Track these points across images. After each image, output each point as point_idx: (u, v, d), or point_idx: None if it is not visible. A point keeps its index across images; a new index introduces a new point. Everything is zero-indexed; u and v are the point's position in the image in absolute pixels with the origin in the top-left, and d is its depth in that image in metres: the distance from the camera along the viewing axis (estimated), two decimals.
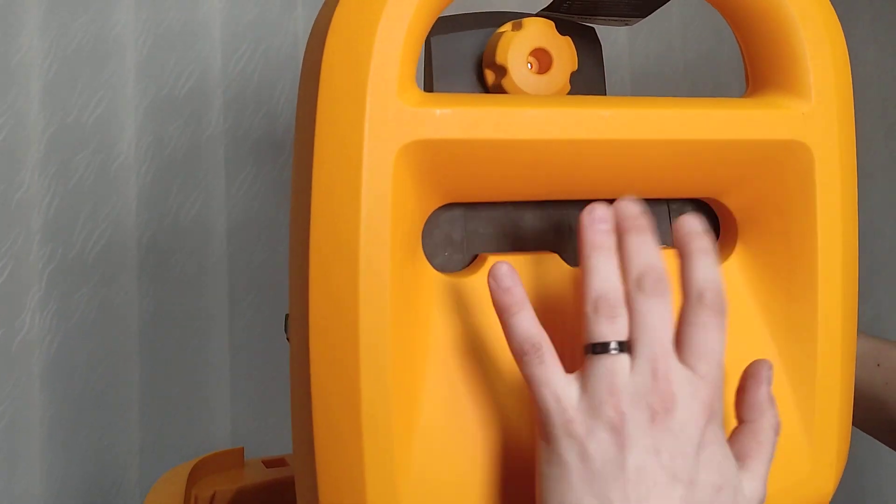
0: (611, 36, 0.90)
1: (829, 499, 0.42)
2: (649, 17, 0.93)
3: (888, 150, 0.98)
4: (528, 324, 0.35)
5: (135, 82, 0.75)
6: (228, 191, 0.77)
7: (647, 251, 0.35)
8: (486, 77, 0.42)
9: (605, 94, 0.45)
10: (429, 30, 0.36)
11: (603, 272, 0.34)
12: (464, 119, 0.35)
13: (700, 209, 0.44)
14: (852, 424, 0.56)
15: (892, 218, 0.98)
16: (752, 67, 0.42)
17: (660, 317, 0.34)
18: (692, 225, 0.36)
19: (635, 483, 0.32)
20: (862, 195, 1.03)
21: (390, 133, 0.34)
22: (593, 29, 0.45)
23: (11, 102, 0.70)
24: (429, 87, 0.42)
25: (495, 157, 0.36)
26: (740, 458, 0.36)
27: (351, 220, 0.34)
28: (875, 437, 0.56)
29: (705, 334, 0.34)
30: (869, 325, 0.97)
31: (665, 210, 0.43)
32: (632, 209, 0.36)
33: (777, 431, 0.37)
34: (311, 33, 0.37)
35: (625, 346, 0.34)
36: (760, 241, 0.42)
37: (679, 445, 0.33)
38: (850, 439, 0.43)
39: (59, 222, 0.72)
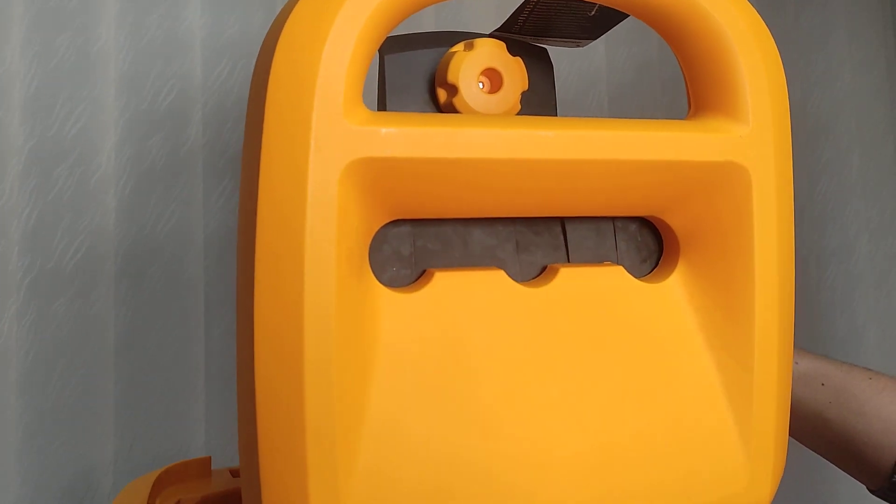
0: (589, 53, 0.91)
1: None
2: (629, 33, 0.94)
3: (863, 168, 0.99)
4: None
5: (115, 96, 0.76)
6: (206, 204, 0.78)
7: None
8: (438, 96, 0.43)
9: (556, 114, 0.46)
10: (376, 50, 0.37)
11: None
12: (408, 138, 0.36)
13: (645, 227, 0.45)
14: (800, 442, 0.57)
15: (867, 234, 0.99)
16: (692, 91, 0.43)
17: None
18: None
19: None
20: (838, 212, 1.04)
21: (335, 151, 0.35)
22: (545, 50, 0.47)
23: None
24: (382, 105, 0.43)
25: (440, 175, 0.37)
26: None
27: (296, 235, 0.35)
28: (820, 455, 0.57)
29: None
30: (846, 339, 0.98)
31: (610, 227, 0.45)
32: None
33: None
34: (260, 49, 0.38)
35: None
36: (701, 259, 0.43)
37: None
38: (786, 450, 0.44)
39: (39, 233, 0.73)
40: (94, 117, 0.75)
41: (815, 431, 0.55)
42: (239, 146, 0.80)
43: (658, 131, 0.40)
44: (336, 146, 0.35)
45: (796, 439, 0.58)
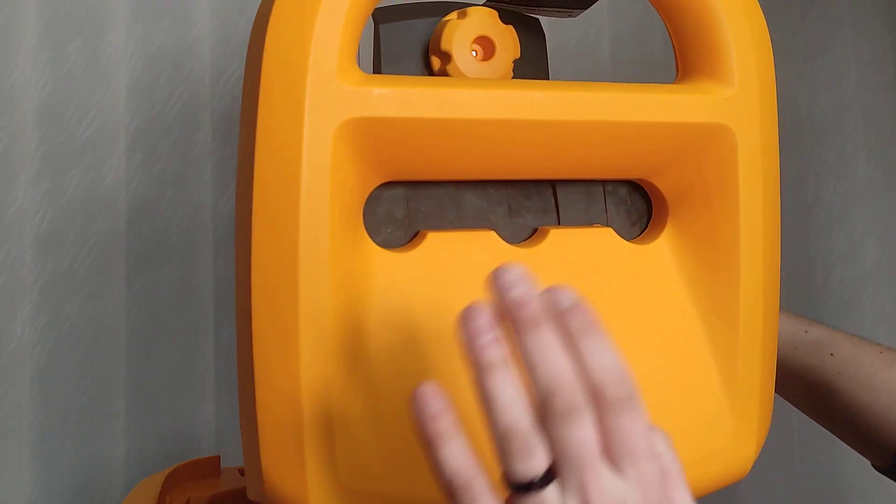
0: (594, 52, 0.91)
1: (750, 465, 0.44)
2: (634, 33, 0.94)
3: (870, 169, 0.99)
4: (458, 458, 0.30)
5: (126, 102, 0.77)
6: (215, 208, 0.79)
7: (549, 355, 0.30)
8: (432, 63, 0.44)
9: (548, 78, 0.47)
10: (370, 13, 0.38)
11: (502, 399, 0.30)
12: (400, 98, 0.37)
13: (634, 190, 0.46)
14: (806, 414, 0.57)
15: (874, 235, 0.99)
16: (680, 55, 0.44)
17: (579, 437, 0.29)
18: (564, 298, 0.31)
19: None
20: (845, 214, 1.04)
21: (329, 111, 0.36)
22: (538, 20, 0.48)
23: (7, 121, 0.73)
24: (377, 69, 0.44)
25: (432, 135, 0.38)
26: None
27: (291, 193, 0.36)
28: (825, 427, 0.57)
29: (622, 438, 0.30)
30: None
31: (601, 191, 0.46)
32: (515, 294, 0.30)
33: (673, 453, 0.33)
34: (256, 16, 0.39)
35: (549, 475, 0.30)
36: (689, 221, 0.44)
37: None
38: (771, 409, 0.45)
39: (51, 237, 0.75)
40: (105, 123, 0.76)
41: (822, 402, 0.55)
42: None
43: (646, 93, 0.41)
44: (330, 105, 0.36)
45: (803, 411, 0.57)
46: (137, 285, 0.77)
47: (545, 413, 0.30)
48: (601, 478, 0.30)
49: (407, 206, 0.42)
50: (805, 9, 0.99)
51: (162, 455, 0.76)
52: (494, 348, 0.30)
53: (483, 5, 0.46)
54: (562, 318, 0.31)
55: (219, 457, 0.61)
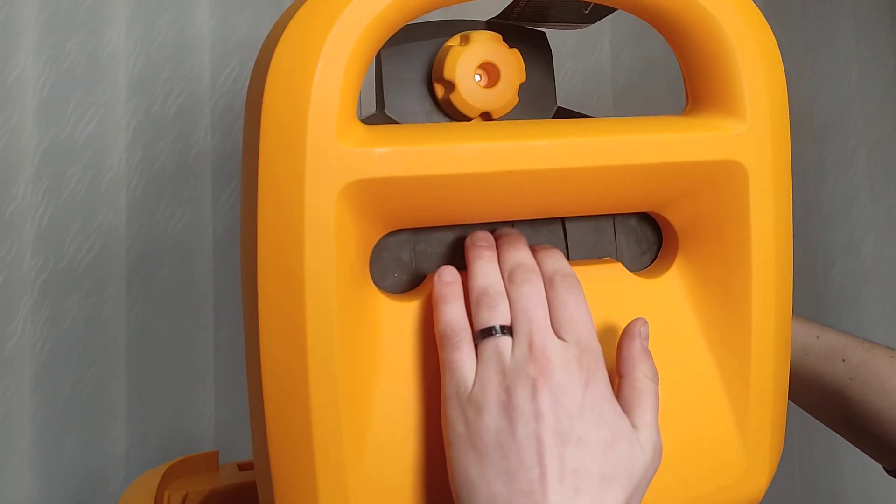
0: (594, 52, 0.92)
1: (762, 495, 0.44)
2: (634, 32, 0.95)
3: (870, 167, 0.99)
4: (456, 314, 0.38)
5: (126, 100, 0.78)
6: (215, 205, 0.80)
7: (516, 252, 0.40)
8: (435, 91, 0.43)
9: (556, 103, 0.46)
10: (368, 64, 0.37)
11: (482, 272, 0.39)
12: (401, 157, 0.36)
13: (644, 220, 0.46)
14: (818, 420, 0.57)
15: (873, 234, 0.99)
16: (690, 87, 0.43)
17: (530, 300, 0.38)
18: (538, 246, 0.42)
19: (526, 449, 0.35)
20: (845, 212, 1.04)
21: (330, 175, 0.35)
22: (544, 35, 0.46)
23: (6, 118, 0.73)
24: (379, 100, 0.43)
25: (435, 189, 0.38)
26: (626, 409, 0.38)
27: (295, 258, 0.35)
28: (839, 433, 0.56)
29: (566, 309, 0.38)
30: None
31: (610, 223, 0.45)
32: (506, 229, 0.42)
33: (654, 379, 0.39)
34: (252, 71, 0.38)
35: (507, 330, 0.37)
36: (699, 255, 0.44)
37: (562, 408, 0.36)
38: (783, 441, 0.45)
39: (51, 234, 0.75)
40: (105, 120, 0.77)
41: (834, 408, 0.55)
42: None
43: (653, 133, 0.40)
44: (331, 170, 0.35)
45: (815, 417, 0.58)
46: (137, 282, 0.77)
47: (508, 284, 0.38)
48: (545, 334, 0.37)
49: (413, 248, 0.41)
50: (806, 5, 0.99)
51: (161, 451, 0.77)
52: (485, 248, 0.40)
53: (487, 22, 0.45)
54: (535, 248, 0.41)
55: (217, 452, 0.61)
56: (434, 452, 0.39)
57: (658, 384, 0.39)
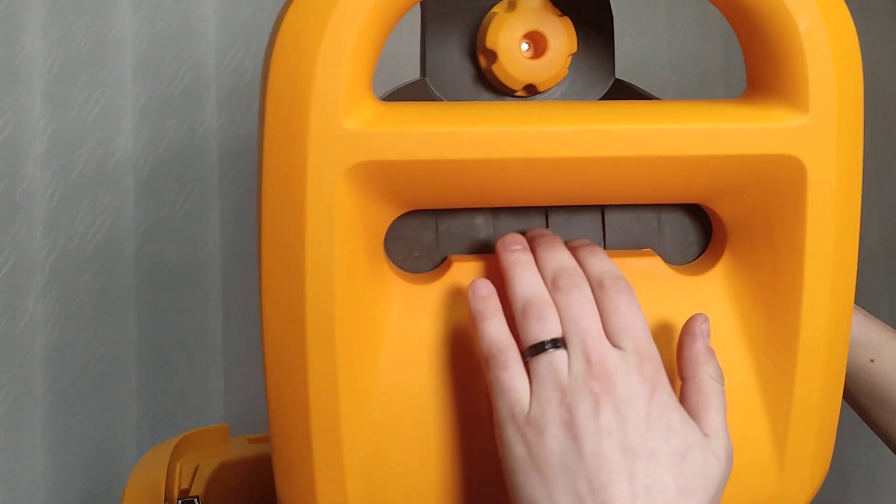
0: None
1: None
2: (636, 16, 0.94)
3: (874, 143, 0.99)
4: (498, 330, 0.36)
5: (132, 81, 0.78)
6: (221, 185, 0.81)
7: (556, 255, 0.37)
8: (479, 60, 0.40)
9: (613, 76, 0.42)
10: (381, 44, 0.35)
11: (524, 280, 0.36)
12: (409, 139, 0.34)
13: (693, 213, 0.42)
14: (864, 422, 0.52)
15: (876, 215, 0.99)
16: (749, 69, 0.38)
17: (580, 308, 0.35)
18: (575, 242, 0.39)
19: (596, 469, 0.33)
20: None
21: (333, 156, 0.34)
22: (606, 2, 0.42)
23: (14, 100, 0.74)
24: (423, 67, 0.41)
25: (452, 174, 0.35)
26: (693, 414, 0.36)
27: (297, 240, 0.34)
28: (856, 407, 0.53)
29: (619, 315, 0.35)
30: None
31: (654, 212, 0.41)
32: (540, 230, 0.40)
33: (720, 381, 0.37)
34: (264, 53, 0.36)
35: (559, 343, 0.35)
36: (749, 254, 0.40)
37: (629, 422, 0.33)
38: (828, 462, 0.42)
39: (61, 214, 0.76)
40: (111, 101, 0.77)
41: (860, 412, 0.52)
42: (252, 128, 0.82)
43: (700, 122, 0.36)
44: (334, 151, 0.34)
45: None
46: (146, 260, 0.78)
47: (553, 291, 0.36)
48: (601, 345, 0.35)
49: (436, 229, 0.39)
50: None
51: (172, 426, 0.78)
52: (521, 253, 0.37)
53: None
54: (573, 244, 0.39)
55: (227, 426, 0.62)
56: (434, 437, 0.38)
57: (724, 385, 0.37)
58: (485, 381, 0.37)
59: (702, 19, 0.92)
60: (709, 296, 0.40)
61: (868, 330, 0.51)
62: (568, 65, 0.40)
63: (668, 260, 0.41)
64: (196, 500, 0.54)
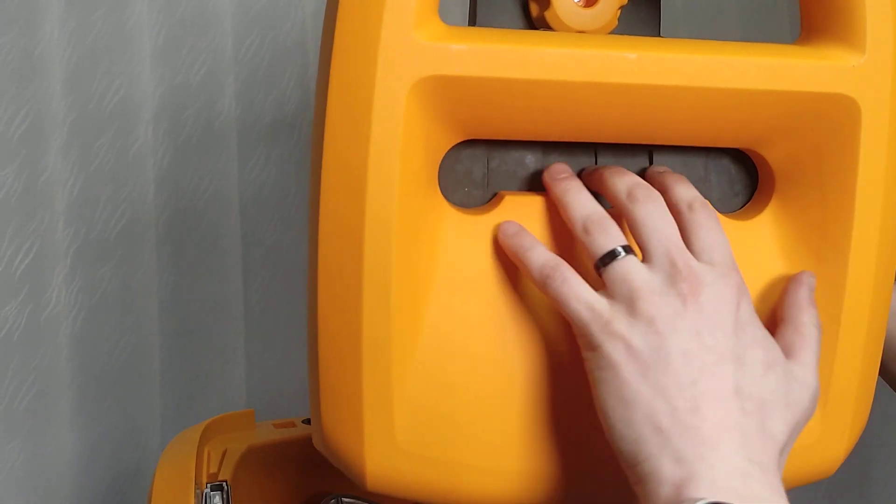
0: None
1: (838, 464, 0.41)
2: None
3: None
4: (544, 254, 0.36)
5: (151, 70, 0.78)
6: (241, 172, 0.81)
7: (625, 175, 0.37)
8: (530, 8, 0.41)
9: (658, 32, 0.43)
10: None
11: (578, 202, 0.37)
12: (479, 55, 0.34)
13: (739, 158, 0.42)
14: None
15: None
16: (805, 11, 0.39)
17: (661, 218, 0.36)
18: (659, 168, 0.40)
19: (683, 366, 0.33)
20: None
21: (403, 67, 0.34)
22: None
23: (35, 91, 0.74)
24: (472, 16, 0.41)
25: (513, 96, 0.36)
26: (786, 351, 0.36)
27: (360, 151, 0.35)
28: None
29: (706, 232, 0.36)
30: None
31: (702, 157, 0.42)
32: (590, 165, 0.40)
33: (819, 329, 0.37)
34: None
35: (629, 250, 0.35)
36: (797, 199, 0.40)
37: (717, 325, 0.34)
38: (869, 409, 0.42)
39: (82, 203, 0.76)
40: (131, 91, 0.77)
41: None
42: (270, 116, 0.82)
43: (755, 56, 0.36)
44: (404, 62, 0.34)
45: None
46: (167, 250, 0.79)
47: (629, 204, 0.36)
48: (685, 253, 0.35)
49: (487, 165, 0.40)
50: None
51: (195, 414, 0.79)
52: (570, 179, 0.38)
53: None
54: (657, 177, 0.38)
55: (253, 411, 0.63)
56: (486, 371, 0.37)
57: (821, 336, 0.37)
58: (540, 314, 0.37)
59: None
60: (756, 241, 0.40)
61: None
62: (617, 17, 0.41)
63: (715, 207, 0.41)
64: (224, 483, 0.55)
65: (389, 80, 0.34)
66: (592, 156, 0.41)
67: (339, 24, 0.34)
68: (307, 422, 0.62)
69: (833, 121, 0.38)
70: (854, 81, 0.37)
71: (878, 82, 0.37)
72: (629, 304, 0.34)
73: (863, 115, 0.37)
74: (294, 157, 0.82)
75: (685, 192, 0.37)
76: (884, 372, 0.51)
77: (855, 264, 0.39)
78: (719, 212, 0.41)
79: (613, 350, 0.34)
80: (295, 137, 0.82)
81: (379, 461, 0.37)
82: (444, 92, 0.35)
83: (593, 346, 0.35)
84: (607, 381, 0.34)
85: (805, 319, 0.37)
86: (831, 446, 0.40)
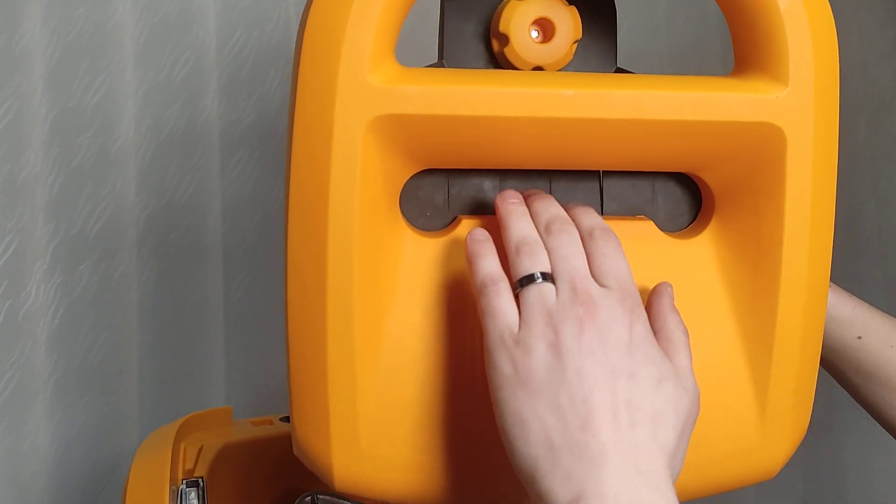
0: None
1: (779, 467, 0.43)
2: (635, 7, 0.95)
3: (870, 135, 1.00)
4: (492, 265, 0.39)
5: (133, 68, 0.78)
6: (223, 172, 0.81)
7: (550, 206, 0.41)
8: (492, 45, 0.44)
9: (615, 63, 0.46)
10: (404, 14, 0.39)
11: (518, 225, 0.40)
12: (427, 95, 0.38)
13: (684, 181, 0.45)
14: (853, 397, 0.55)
15: (874, 201, 1.00)
16: (736, 48, 0.42)
17: (569, 248, 0.39)
18: (572, 203, 0.43)
19: (577, 384, 0.35)
20: (844, 178, 1.04)
21: (358, 108, 0.38)
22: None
23: (16, 87, 0.74)
24: (440, 50, 0.45)
25: (464, 130, 0.39)
26: None
27: (322, 181, 0.38)
28: (845, 384, 0.55)
29: (605, 259, 0.39)
30: None
31: (649, 181, 0.45)
32: (536, 190, 0.43)
33: (685, 333, 0.40)
34: (301, 14, 0.40)
35: (548, 277, 0.38)
36: (734, 220, 0.43)
37: (610, 345, 0.36)
38: (809, 416, 0.44)
39: (63, 200, 0.76)
40: (113, 88, 0.77)
41: (846, 387, 0.54)
42: (253, 115, 0.82)
43: (690, 90, 0.40)
44: (359, 103, 0.38)
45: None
46: (148, 248, 0.78)
47: (545, 235, 0.39)
48: (587, 279, 0.38)
49: (448, 191, 0.43)
50: None
51: (173, 411, 0.78)
52: (517, 204, 0.41)
53: None
54: (568, 206, 0.42)
55: (231, 408, 0.63)
56: (441, 381, 0.40)
57: (688, 337, 0.39)
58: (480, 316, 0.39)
59: (699, 11, 0.93)
60: (697, 258, 0.43)
61: (854, 309, 0.54)
62: (573, 51, 0.44)
63: (661, 227, 0.44)
64: (200, 480, 0.55)
65: (346, 119, 0.38)
66: (547, 181, 0.44)
67: (301, 67, 0.38)
68: (285, 419, 0.62)
69: (762, 147, 0.41)
70: (779, 111, 0.40)
71: (801, 111, 0.40)
72: (535, 326, 0.37)
73: (788, 142, 0.40)
74: (276, 157, 0.82)
75: (587, 220, 0.40)
76: (835, 372, 0.54)
77: (787, 277, 0.42)
78: (666, 231, 0.44)
79: (512, 370, 0.36)
80: (277, 138, 0.82)
81: (345, 464, 0.40)
82: (398, 128, 0.38)
83: (494, 366, 0.37)
84: (506, 401, 0.36)
85: (671, 326, 0.39)
86: (771, 450, 0.43)
